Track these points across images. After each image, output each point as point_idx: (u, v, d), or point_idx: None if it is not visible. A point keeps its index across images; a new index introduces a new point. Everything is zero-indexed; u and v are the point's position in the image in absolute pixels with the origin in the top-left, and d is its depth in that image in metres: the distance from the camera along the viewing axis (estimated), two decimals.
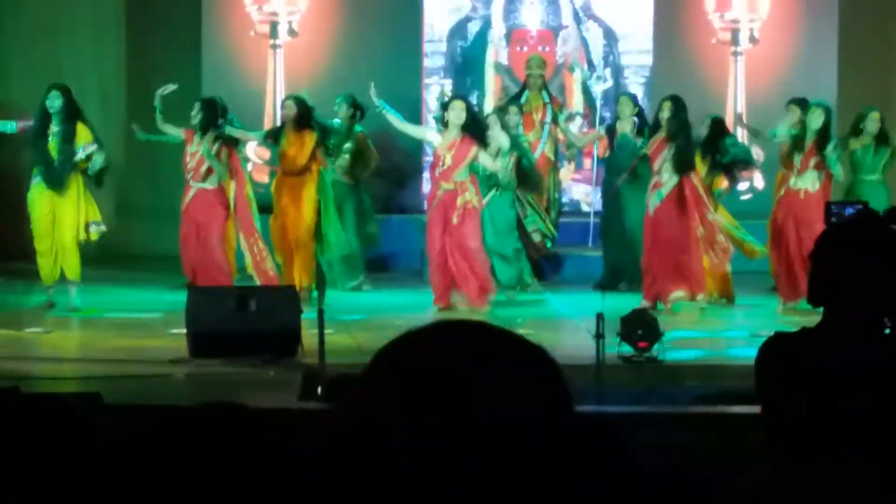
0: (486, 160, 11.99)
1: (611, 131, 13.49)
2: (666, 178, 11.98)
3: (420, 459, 1.35)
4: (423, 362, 1.42)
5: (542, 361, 1.46)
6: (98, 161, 11.91)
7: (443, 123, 12.04)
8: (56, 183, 11.88)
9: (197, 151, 12.26)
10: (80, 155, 11.87)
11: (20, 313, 11.72)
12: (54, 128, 11.90)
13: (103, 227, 12.15)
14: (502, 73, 15.89)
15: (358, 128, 13.51)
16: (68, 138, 11.86)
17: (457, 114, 11.81)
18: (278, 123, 13.27)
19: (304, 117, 12.57)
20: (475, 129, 11.96)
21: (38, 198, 12.00)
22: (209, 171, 12.27)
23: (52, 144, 11.90)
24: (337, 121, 13.29)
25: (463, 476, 1.35)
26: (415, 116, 14.62)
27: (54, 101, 11.86)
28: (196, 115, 12.31)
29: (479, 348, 1.43)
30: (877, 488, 2.98)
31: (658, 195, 11.99)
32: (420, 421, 1.37)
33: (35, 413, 2.86)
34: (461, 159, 11.83)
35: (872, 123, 12.77)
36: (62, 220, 11.97)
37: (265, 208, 12.77)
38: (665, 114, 12.06)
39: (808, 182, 12.06)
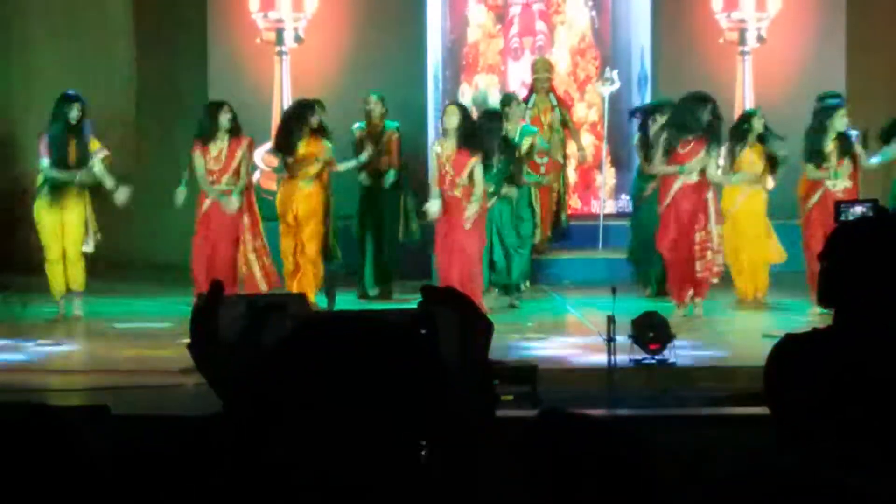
0: (479, 174, 11.73)
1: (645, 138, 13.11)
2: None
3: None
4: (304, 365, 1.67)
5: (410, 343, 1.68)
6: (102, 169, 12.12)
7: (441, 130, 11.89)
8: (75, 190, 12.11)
9: (220, 156, 12.22)
10: (96, 162, 12.09)
11: (29, 325, 11.71)
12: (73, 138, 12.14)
13: (93, 241, 12.25)
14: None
15: (390, 124, 13.25)
16: (88, 147, 12.14)
17: (450, 119, 11.75)
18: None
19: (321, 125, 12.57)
20: (471, 138, 11.76)
21: (48, 208, 12.10)
22: (235, 174, 12.24)
23: (72, 153, 12.09)
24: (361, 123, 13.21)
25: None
26: (420, 122, 14.61)
27: (75, 112, 12.07)
28: (229, 121, 12.22)
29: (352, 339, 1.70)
30: (887, 487, 2.94)
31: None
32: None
33: (40, 427, 2.82)
34: (461, 169, 11.72)
35: None
36: (70, 231, 12.07)
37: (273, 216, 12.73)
38: (706, 116, 11.90)
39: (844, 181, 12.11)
